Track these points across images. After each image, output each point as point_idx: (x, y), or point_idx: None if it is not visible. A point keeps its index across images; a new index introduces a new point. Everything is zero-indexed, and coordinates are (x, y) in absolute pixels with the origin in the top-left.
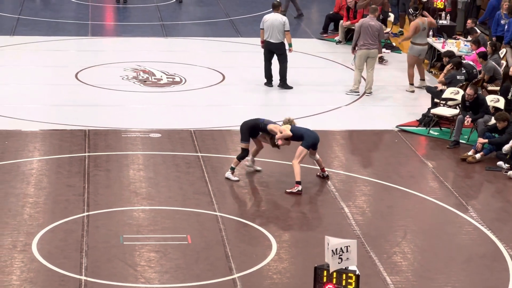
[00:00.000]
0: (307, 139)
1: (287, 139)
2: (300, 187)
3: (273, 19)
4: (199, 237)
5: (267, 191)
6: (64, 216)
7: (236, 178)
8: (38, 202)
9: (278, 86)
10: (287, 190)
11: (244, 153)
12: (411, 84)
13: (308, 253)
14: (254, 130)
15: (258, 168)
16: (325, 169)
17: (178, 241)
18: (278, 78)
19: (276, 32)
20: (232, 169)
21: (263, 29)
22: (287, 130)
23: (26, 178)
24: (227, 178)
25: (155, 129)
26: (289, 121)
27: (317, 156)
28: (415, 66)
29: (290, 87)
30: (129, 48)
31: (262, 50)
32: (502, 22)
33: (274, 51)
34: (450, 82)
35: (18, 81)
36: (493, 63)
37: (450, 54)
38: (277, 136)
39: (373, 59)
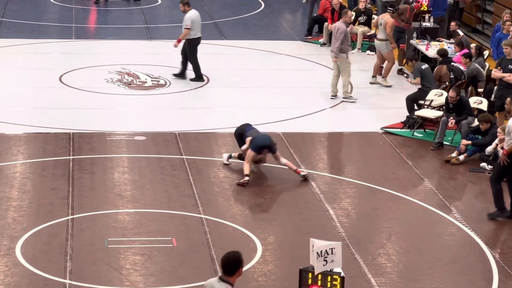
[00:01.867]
0: (253, 142)
1: (261, 153)
2: (246, 178)
3: (198, 15)
4: (184, 240)
5: (252, 193)
6: (48, 219)
7: (227, 162)
8: (22, 205)
9: (192, 80)
10: (237, 182)
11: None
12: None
13: (293, 255)
14: (242, 136)
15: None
16: (302, 170)
17: (163, 243)
18: (188, 73)
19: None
20: (230, 156)
21: (190, 28)
22: (246, 144)
23: (10, 182)
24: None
25: (140, 132)
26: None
27: (283, 160)
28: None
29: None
30: (114, 51)
31: (244, 52)
32: None
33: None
34: (422, 77)
35: (1, 84)
36: (476, 65)
37: (442, 53)
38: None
39: (340, 64)
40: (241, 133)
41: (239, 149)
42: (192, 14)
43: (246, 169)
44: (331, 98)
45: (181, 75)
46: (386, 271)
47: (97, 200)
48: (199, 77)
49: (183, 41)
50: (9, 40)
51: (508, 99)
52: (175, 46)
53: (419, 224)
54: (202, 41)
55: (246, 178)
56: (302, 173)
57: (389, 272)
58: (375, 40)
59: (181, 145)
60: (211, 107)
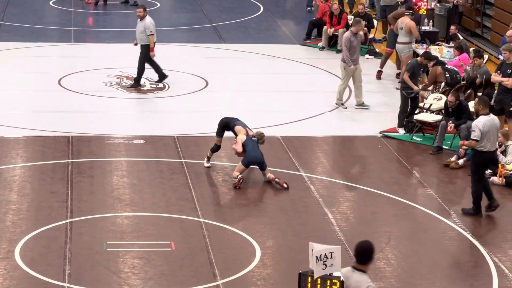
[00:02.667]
0: (245, 158)
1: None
2: (238, 177)
3: None
4: (183, 244)
5: (250, 197)
6: (47, 223)
7: (207, 164)
8: (21, 209)
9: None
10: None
11: (214, 147)
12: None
13: (292, 259)
14: (227, 127)
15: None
16: (284, 182)
17: (162, 247)
18: (136, 76)
19: None
20: (208, 158)
21: (154, 33)
22: (239, 143)
23: (9, 185)
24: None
25: (139, 136)
26: (258, 134)
27: (268, 176)
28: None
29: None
30: (112, 54)
31: (244, 56)
32: None
33: None
34: (412, 72)
35: (0, 87)
36: (487, 68)
37: (432, 57)
38: (232, 146)
39: (342, 70)
40: (227, 122)
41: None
42: (151, 19)
43: (234, 174)
44: (356, 108)
45: (162, 77)
46: (385, 276)
47: (96, 203)
48: (137, 81)
49: (139, 46)
50: (9, 43)
51: (476, 99)
52: (153, 55)
53: (418, 228)
54: (201, 44)
55: (237, 176)
56: (285, 185)
57: (388, 276)
58: (397, 44)
59: (180, 148)
60: (210, 111)
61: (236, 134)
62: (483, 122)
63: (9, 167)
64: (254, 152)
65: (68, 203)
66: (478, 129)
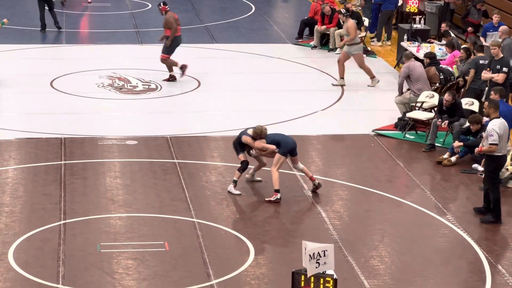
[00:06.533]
0: (284, 146)
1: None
2: (278, 195)
3: None
4: (177, 244)
5: (244, 196)
6: (40, 224)
7: (237, 192)
8: (14, 211)
9: None
10: (266, 199)
11: (243, 165)
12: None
13: (286, 258)
14: (240, 142)
15: (258, 178)
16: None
17: (155, 248)
18: None
19: None
20: (234, 182)
21: None
22: (267, 145)
23: (2, 187)
24: (229, 192)
25: (131, 136)
26: (261, 132)
27: (301, 165)
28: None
29: None
30: (104, 56)
31: (236, 56)
32: None
33: None
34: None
35: None
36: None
37: (431, 56)
38: (263, 153)
39: None
40: (238, 139)
41: (235, 158)
42: None
43: (277, 182)
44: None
45: None
46: (379, 273)
47: (89, 205)
48: None
49: None
50: (0, 45)
51: (486, 102)
52: None
53: (411, 225)
54: (193, 45)
55: (279, 195)
56: (317, 181)
57: (382, 274)
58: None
59: (173, 149)
60: (203, 111)
61: (243, 147)
62: (498, 125)
63: (2, 170)
64: (288, 138)
65: (61, 204)
66: (496, 132)
